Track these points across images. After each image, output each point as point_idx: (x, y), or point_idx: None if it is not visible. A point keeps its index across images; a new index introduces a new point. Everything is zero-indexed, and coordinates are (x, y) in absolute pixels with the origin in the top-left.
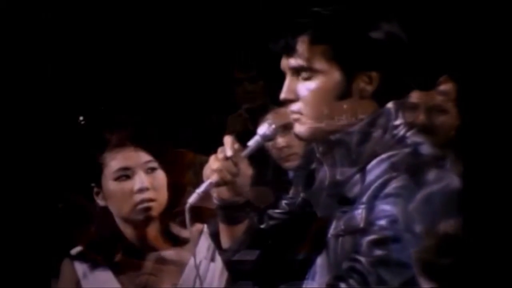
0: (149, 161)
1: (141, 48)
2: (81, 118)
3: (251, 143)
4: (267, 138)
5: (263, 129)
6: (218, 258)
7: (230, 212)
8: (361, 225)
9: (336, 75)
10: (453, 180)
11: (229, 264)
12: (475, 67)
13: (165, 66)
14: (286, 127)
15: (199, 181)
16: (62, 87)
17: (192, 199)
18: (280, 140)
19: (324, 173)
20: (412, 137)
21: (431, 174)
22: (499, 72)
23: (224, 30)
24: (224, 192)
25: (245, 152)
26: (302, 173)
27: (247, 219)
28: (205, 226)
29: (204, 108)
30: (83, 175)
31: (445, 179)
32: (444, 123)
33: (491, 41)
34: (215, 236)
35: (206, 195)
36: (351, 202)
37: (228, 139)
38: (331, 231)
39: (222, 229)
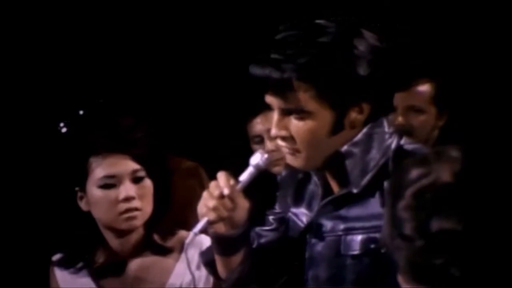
0: (136, 171)
1: (132, 52)
2: (62, 123)
3: (245, 175)
4: (260, 168)
5: (256, 159)
6: (203, 267)
7: (227, 244)
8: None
9: (328, 114)
10: (443, 174)
11: None
12: (453, 66)
13: (157, 69)
14: None
15: (185, 186)
16: (54, 86)
17: (189, 239)
18: (269, 144)
19: (315, 188)
20: (407, 144)
21: (419, 170)
22: (479, 70)
23: (217, 41)
24: (220, 227)
25: (240, 185)
26: (288, 185)
27: (244, 248)
28: (190, 234)
29: (194, 111)
30: (67, 178)
31: (434, 173)
32: (423, 123)
33: (470, 40)
34: (210, 265)
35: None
36: (371, 218)
37: (222, 175)
38: (349, 250)
39: (218, 259)
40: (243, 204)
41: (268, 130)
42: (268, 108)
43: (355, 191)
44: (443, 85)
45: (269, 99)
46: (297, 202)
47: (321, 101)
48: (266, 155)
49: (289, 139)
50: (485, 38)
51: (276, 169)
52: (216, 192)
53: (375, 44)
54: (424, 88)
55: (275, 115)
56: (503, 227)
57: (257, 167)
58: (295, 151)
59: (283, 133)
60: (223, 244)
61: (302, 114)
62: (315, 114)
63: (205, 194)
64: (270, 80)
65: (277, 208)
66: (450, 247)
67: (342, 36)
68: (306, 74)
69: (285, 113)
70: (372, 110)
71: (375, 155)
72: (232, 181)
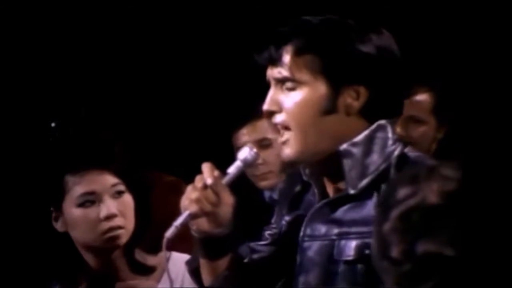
0: (116, 184)
1: (110, 65)
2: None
3: (232, 169)
4: (248, 163)
5: (244, 153)
6: (185, 285)
7: (211, 245)
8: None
9: (321, 88)
10: (431, 194)
11: None
12: (453, 76)
13: (136, 82)
14: (262, 142)
15: (166, 203)
16: (28, 100)
17: (169, 232)
18: None
19: (312, 198)
20: (410, 153)
21: (406, 189)
22: (480, 80)
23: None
24: (204, 223)
25: (226, 179)
26: (285, 199)
27: (230, 252)
28: (172, 252)
29: (175, 123)
30: (41, 198)
31: (421, 193)
32: (422, 135)
33: (470, 49)
34: (195, 274)
35: (184, 227)
36: (363, 223)
37: (206, 166)
38: (343, 256)
39: (203, 264)
40: (227, 199)
41: (255, 142)
42: (254, 118)
43: (352, 192)
44: (444, 95)
45: (268, 72)
46: (292, 211)
47: (317, 73)
48: (254, 149)
49: (280, 114)
50: (486, 48)
51: (263, 184)
52: (199, 184)
53: (390, 40)
54: (424, 97)
55: (270, 91)
56: (496, 251)
57: (245, 161)
58: (286, 131)
59: (274, 107)
60: (207, 245)
61: (294, 83)
62: (308, 85)
63: (189, 187)
64: (271, 52)
65: (274, 223)
66: (438, 271)
67: (359, 24)
68: (306, 40)
69: (279, 84)
70: (369, 100)
71: (376, 159)
72: (216, 173)
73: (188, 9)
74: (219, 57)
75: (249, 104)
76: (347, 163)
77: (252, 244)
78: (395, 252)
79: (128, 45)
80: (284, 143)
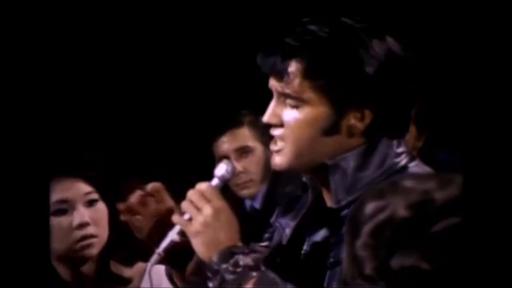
0: (89, 193)
1: (87, 71)
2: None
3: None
4: (226, 180)
5: (221, 170)
6: None
7: (171, 257)
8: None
9: (325, 109)
10: (399, 207)
11: None
12: (430, 85)
13: (115, 90)
14: (243, 150)
15: (145, 212)
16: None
17: (153, 260)
18: (236, 165)
19: (305, 200)
20: (414, 168)
21: (374, 204)
22: (460, 89)
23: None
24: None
25: None
26: (286, 200)
27: (193, 258)
28: (148, 264)
29: (155, 132)
30: (13, 206)
31: (390, 207)
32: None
33: (449, 58)
34: (172, 278)
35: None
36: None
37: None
38: (330, 259)
39: (173, 272)
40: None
41: (236, 150)
42: (234, 125)
43: (334, 206)
44: (423, 104)
45: (271, 81)
46: (285, 213)
47: (321, 94)
48: (231, 166)
49: (279, 127)
50: (466, 58)
51: (243, 192)
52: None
53: (394, 51)
54: None
55: (272, 102)
56: (472, 261)
57: (222, 178)
58: (281, 142)
59: (274, 120)
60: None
61: (298, 102)
62: (312, 105)
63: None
64: (276, 64)
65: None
66: (414, 285)
67: (362, 34)
68: (314, 63)
69: (282, 98)
70: (373, 122)
71: (370, 173)
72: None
73: (168, 20)
74: (199, 66)
75: (229, 111)
76: (333, 177)
77: (252, 245)
78: (368, 268)
79: (108, 53)
80: (277, 151)
